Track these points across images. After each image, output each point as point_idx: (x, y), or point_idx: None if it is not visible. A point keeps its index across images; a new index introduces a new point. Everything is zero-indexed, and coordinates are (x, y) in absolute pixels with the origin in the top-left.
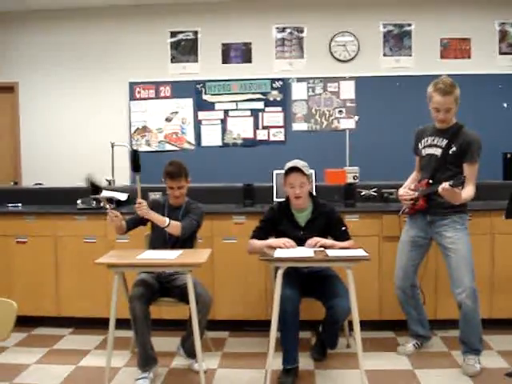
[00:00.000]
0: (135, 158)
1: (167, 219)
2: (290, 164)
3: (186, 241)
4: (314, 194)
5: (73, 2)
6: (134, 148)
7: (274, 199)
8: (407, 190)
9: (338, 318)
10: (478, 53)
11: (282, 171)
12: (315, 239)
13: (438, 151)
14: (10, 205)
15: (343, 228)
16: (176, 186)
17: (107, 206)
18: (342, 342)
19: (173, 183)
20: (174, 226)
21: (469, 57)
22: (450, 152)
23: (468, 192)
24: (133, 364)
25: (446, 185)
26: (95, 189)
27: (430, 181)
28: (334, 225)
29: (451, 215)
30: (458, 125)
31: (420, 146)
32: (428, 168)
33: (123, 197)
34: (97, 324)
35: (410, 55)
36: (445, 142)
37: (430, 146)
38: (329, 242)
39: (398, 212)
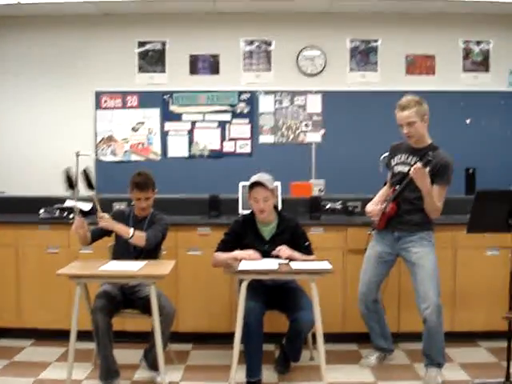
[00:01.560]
0: (87, 176)
1: (131, 230)
2: (254, 178)
3: (149, 252)
4: (280, 207)
5: (40, 10)
6: (84, 168)
7: (240, 211)
8: (374, 206)
9: (301, 331)
10: (443, 70)
11: (248, 183)
12: (282, 249)
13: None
14: None
15: (307, 243)
16: (143, 197)
17: (77, 208)
18: (306, 355)
19: (140, 194)
20: (139, 237)
21: (433, 73)
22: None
23: (436, 203)
24: (94, 376)
25: (417, 164)
26: (70, 184)
27: (397, 186)
28: (297, 239)
29: (419, 232)
30: (432, 146)
31: (393, 163)
32: (398, 185)
33: (87, 207)
34: (58, 336)
35: (376, 71)
36: (417, 161)
37: (403, 163)
38: (295, 253)
39: (362, 226)
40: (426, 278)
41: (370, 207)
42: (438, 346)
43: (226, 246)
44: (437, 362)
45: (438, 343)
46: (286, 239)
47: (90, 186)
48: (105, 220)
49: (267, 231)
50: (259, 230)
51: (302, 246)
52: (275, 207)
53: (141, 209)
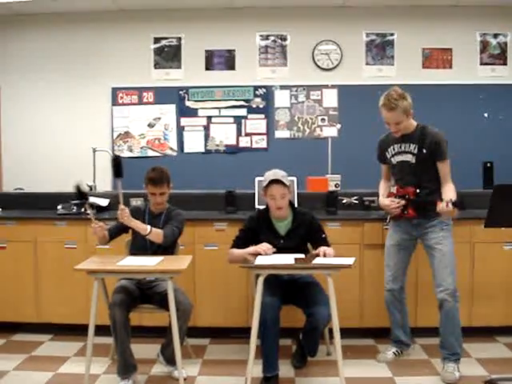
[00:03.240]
0: (117, 163)
1: (149, 227)
2: (270, 175)
3: (167, 247)
4: (296, 202)
5: (56, 7)
6: (116, 153)
7: (256, 206)
8: (392, 198)
9: (318, 326)
10: (460, 63)
11: (263, 180)
12: (323, 250)
13: (408, 157)
14: None
15: (323, 235)
16: (158, 192)
17: (89, 212)
18: (323, 350)
19: (155, 189)
20: (156, 234)
21: (450, 67)
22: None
23: (452, 191)
24: (112, 371)
25: (446, 204)
26: (81, 196)
27: (418, 190)
28: (314, 233)
29: (437, 218)
30: (419, 126)
31: (388, 155)
32: (402, 174)
33: (104, 202)
34: (76, 330)
35: (392, 64)
36: (414, 146)
37: (400, 153)
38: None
39: (379, 220)
40: (443, 261)
41: (386, 201)
42: (455, 333)
43: (241, 242)
44: (453, 353)
45: (455, 329)
46: (301, 234)
47: (118, 173)
48: (124, 214)
49: (282, 227)
50: (274, 226)
51: (319, 239)
52: (290, 202)
53: (156, 204)
